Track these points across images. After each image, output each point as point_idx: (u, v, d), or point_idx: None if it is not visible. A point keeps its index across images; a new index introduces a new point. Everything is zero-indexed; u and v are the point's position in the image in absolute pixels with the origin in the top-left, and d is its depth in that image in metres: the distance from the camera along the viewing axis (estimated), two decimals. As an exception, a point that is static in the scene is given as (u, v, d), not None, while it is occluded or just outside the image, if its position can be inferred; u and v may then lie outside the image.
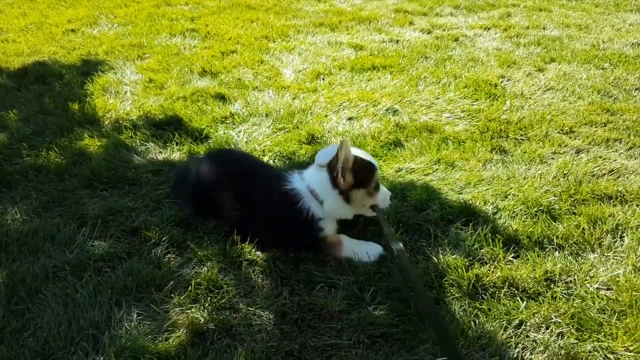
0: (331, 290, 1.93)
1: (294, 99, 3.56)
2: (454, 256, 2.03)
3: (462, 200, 2.38)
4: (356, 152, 2.01)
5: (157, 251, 2.13)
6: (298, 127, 3.16)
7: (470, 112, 3.27)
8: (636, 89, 3.58)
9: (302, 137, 3.02)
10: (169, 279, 1.98)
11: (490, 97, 3.46)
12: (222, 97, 3.59)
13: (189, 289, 1.94)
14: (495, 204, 2.34)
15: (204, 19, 5.53)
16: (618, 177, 2.55)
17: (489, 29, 4.94)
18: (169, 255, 2.12)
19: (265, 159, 2.85)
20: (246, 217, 2.15)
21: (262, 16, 5.55)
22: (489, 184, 2.50)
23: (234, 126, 3.22)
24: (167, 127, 3.20)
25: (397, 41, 4.69)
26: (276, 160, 2.84)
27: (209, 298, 1.90)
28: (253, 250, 2.14)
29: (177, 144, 3.01)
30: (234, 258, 2.10)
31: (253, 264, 2.08)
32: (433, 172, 2.67)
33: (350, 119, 3.27)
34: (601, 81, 3.69)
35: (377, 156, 2.84)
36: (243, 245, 2.15)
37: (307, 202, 2.05)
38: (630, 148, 2.82)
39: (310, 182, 2.07)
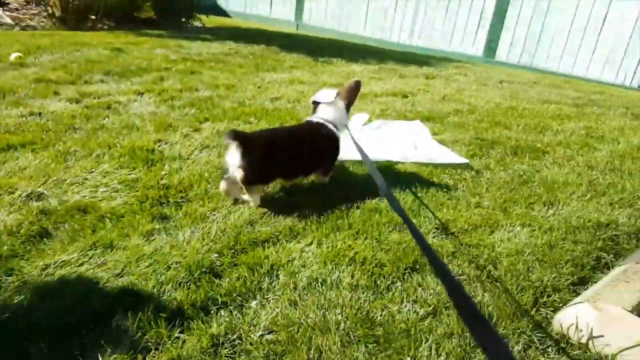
0: None
1: None
2: (114, 357, 1.76)
3: (123, 284, 2.15)
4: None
5: None
6: None
7: (128, 183, 3.08)
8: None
9: None
10: None
11: (147, 163, 3.37)
12: None
13: None
14: (158, 279, 2.20)
15: None
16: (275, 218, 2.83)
17: (142, 93, 4.93)
18: None
19: None
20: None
21: None
22: (151, 258, 2.35)
23: None
24: None
25: (40, 114, 4.11)
26: None
27: None
28: None
29: None
30: None
31: None
32: (89, 259, 2.34)
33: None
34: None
35: (17, 256, 2.30)
36: None
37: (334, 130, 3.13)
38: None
39: (327, 117, 3.16)
